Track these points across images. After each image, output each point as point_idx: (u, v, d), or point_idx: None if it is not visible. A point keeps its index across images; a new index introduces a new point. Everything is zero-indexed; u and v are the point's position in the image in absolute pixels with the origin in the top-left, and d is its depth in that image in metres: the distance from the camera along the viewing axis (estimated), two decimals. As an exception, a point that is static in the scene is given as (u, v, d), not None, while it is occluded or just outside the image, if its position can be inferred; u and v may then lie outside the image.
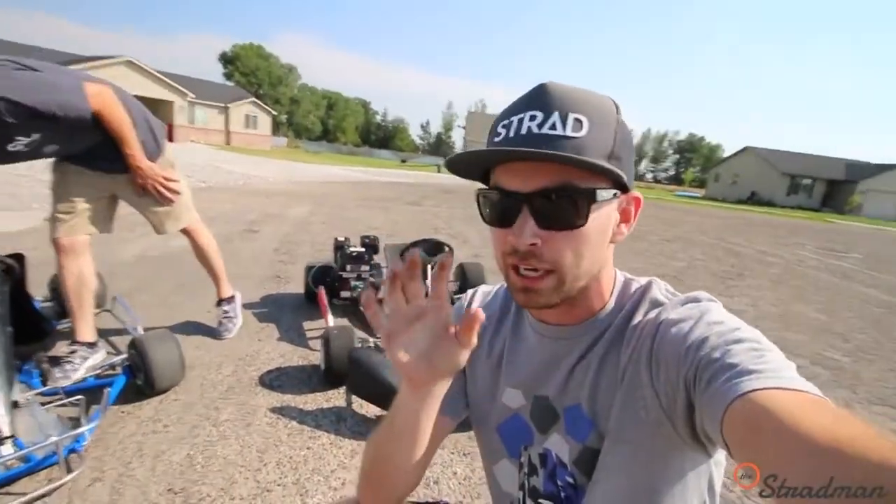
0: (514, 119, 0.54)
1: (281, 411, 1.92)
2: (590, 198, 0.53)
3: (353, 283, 2.98)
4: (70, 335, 2.02)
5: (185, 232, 2.31)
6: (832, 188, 34.42)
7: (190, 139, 29.24)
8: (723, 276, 5.70)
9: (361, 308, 0.53)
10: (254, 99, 38.90)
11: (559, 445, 0.63)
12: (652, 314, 0.58)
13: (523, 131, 0.53)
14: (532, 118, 0.53)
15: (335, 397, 2.07)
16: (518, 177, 0.54)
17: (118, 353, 2.22)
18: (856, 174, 33.87)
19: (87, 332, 2.01)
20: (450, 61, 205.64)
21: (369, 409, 1.97)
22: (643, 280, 0.64)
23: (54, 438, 1.38)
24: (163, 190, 2.05)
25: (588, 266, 0.57)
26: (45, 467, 1.44)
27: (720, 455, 0.60)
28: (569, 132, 0.52)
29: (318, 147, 51.92)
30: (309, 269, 3.13)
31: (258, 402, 1.97)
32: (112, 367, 1.98)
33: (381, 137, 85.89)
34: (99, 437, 1.63)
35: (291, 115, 63.24)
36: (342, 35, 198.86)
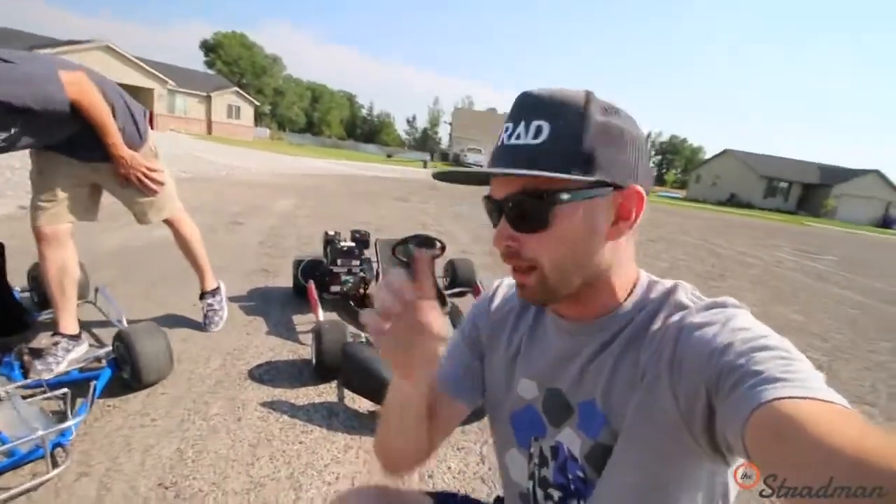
0: (503, 128, 0.60)
1: (272, 406, 1.89)
2: (552, 200, 0.55)
3: (343, 277, 2.95)
4: (52, 326, 1.96)
5: (167, 222, 2.24)
6: (807, 191, 35.31)
7: (170, 128, 28.62)
8: (705, 276, 5.81)
9: (362, 322, 0.54)
10: (236, 89, 38.17)
11: (571, 439, 0.64)
12: (676, 317, 0.57)
13: (499, 143, 0.59)
14: (506, 129, 0.59)
15: (327, 392, 2.05)
16: (496, 184, 0.61)
17: (101, 345, 2.17)
18: (828, 178, 34.86)
19: (69, 324, 1.95)
20: (439, 58, 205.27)
21: (361, 404, 1.96)
22: (668, 282, 0.64)
23: (41, 432, 1.33)
24: (146, 180, 1.99)
25: (571, 264, 0.58)
26: (30, 461, 1.39)
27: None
28: (529, 140, 0.55)
29: (302, 139, 51.02)
30: (298, 262, 3.08)
31: (248, 396, 1.94)
32: (97, 359, 1.92)
33: (366, 131, 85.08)
34: (85, 431, 1.59)
35: (275, 106, 62.03)
36: (328, 27, 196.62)
